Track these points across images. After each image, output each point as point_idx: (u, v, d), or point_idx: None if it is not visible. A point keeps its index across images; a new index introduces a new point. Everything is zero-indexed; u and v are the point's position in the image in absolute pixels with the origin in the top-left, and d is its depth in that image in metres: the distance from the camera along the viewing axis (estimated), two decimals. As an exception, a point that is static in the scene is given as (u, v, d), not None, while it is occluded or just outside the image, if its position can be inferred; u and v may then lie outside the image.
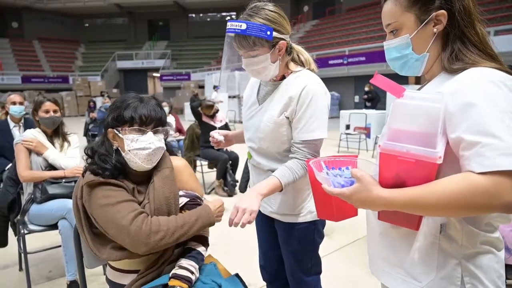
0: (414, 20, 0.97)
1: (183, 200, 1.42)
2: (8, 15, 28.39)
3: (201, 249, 1.43)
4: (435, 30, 0.96)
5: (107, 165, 1.32)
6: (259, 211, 1.67)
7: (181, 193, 1.44)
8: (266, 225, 1.74)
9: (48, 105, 2.64)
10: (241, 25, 1.34)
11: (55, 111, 2.66)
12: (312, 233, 1.61)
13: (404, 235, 1.00)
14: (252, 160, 1.65)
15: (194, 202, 1.44)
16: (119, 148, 1.36)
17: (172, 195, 1.38)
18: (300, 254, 1.62)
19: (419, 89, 1.06)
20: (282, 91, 1.49)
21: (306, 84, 1.43)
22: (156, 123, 1.35)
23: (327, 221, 1.50)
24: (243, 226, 1.26)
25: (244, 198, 1.34)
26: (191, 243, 1.43)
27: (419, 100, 0.86)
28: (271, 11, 1.39)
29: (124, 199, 1.28)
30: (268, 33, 1.35)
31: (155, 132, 1.35)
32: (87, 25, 32.66)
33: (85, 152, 1.41)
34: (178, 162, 1.53)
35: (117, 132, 1.33)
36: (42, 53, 28.09)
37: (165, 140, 1.41)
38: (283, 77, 1.52)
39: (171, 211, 1.35)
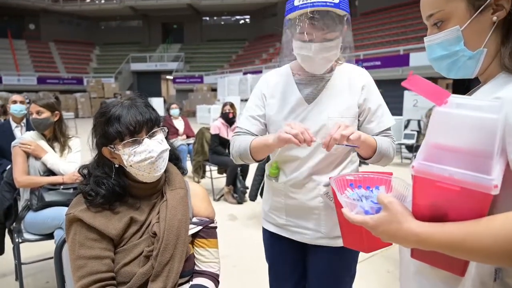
0: (466, 7, 0.77)
1: (196, 228, 1.28)
2: (26, 17, 28.79)
3: (209, 284, 1.26)
4: (494, 18, 0.75)
5: (102, 189, 1.16)
6: (292, 241, 1.49)
7: (195, 220, 1.29)
8: (297, 258, 1.55)
9: (32, 107, 2.50)
10: None
11: (38, 112, 2.46)
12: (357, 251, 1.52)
13: (446, 278, 0.78)
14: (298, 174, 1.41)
15: (207, 229, 1.32)
16: (120, 164, 1.19)
17: (184, 218, 1.23)
18: (343, 279, 1.55)
19: (470, 93, 0.85)
20: (342, 82, 1.39)
21: (365, 72, 1.41)
22: (149, 125, 1.17)
23: None
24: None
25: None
26: (199, 279, 1.26)
27: (469, 109, 0.65)
28: None
29: (94, 254, 1.12)
30: None
31: (151, 136, 1.17)
32: (102, 27, 32.92)
33: (79, 172, 1.26)
34: (193, 184, 1.41)
35: (112, 150, 1.16)
36: (57, 54, 28.37)
37: (166, 139, 1.24)
38: (331, 70, 1.41)
39: (180, 235, 1.19)
